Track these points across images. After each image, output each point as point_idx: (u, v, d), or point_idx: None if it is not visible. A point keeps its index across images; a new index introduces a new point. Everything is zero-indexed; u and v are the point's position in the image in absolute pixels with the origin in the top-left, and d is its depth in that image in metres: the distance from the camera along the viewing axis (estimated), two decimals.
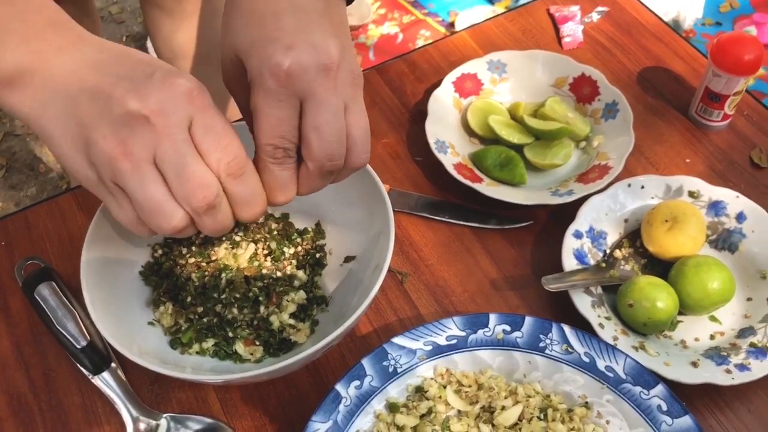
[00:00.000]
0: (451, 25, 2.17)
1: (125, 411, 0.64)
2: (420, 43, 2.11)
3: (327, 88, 0.48)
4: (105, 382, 0.65)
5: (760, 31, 2.02)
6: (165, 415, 0.65)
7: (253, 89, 0.48)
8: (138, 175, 0.44)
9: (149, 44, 2.12)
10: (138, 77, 0.45)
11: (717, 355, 0.66)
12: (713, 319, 0.70)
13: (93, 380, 0.66)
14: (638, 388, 0.60)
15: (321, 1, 0.50)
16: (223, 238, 0.68)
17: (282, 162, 0.50)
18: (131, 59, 0.47)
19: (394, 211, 0.64)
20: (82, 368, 0.66)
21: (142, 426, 0.64)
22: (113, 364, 0.66)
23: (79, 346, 0.65)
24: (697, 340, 0.69)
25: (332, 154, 0.49)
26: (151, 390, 0.67)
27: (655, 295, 0.66)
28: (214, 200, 0.46)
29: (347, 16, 0.54)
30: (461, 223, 0.78)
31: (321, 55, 0.47)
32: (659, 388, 0.60)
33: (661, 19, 1.00)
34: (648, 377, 0.61)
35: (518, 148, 0.83)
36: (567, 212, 0.75)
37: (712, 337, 0.69)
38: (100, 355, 0.66)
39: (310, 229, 0.72)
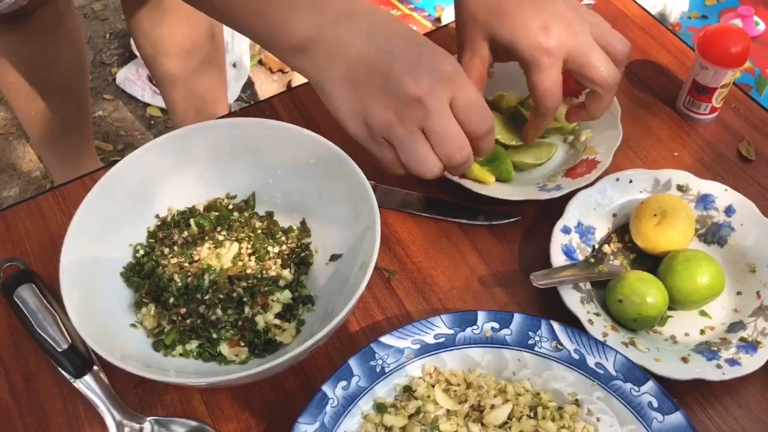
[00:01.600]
0: (438, 20, 2.16)
1: (108, 415, 0.63)
2: None
3: (584, 36, 0.67)
4: (87, 386, 0.64)
5: (745, 23, 2.02)
6: (149, 418, 0.63)
7: (530, 71, 0.67)
8: (411, 138, 0.58)
9: (132, 42, 2.09)
10: (409, 58, 0.57)
11: (707, 350, 0.66)
12: (703, 313, 0.70)
13: (75, 384, 0.64)
14: (629, 385, 0.60)
15: None
16: (206, 238, 0.67)
17: (553, 113, 0.71)
18: (398, 34, 0.59)
19: (380, 207, 0.63)
20: (63, 372, 0.64)
21: (126, 430, 0.62)
22: (95, 367, 0.65)
23: (60, 350, 0.64)
24: (687, 335, 0.68)
25: (608, 73, 0.68)
26: (134, 393, 0.66)
27: (645, 291, 0.66)
28: (467, 157, 0.61)
29: None
30: (448, 219, 0.78)
31: (575, 19, 0.67)
32: (650, 385, 0.59)
33: (647, 11, 1.00)
34: (638, 374, 0.60)
35: (505, 146, 0.82)
36: (555, 208, 0.74)
37: (702, 331, 0.68)
38: (82, 359, 0.64)
39: (294, 228, 0.71)
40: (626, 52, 0.70)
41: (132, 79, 1.99)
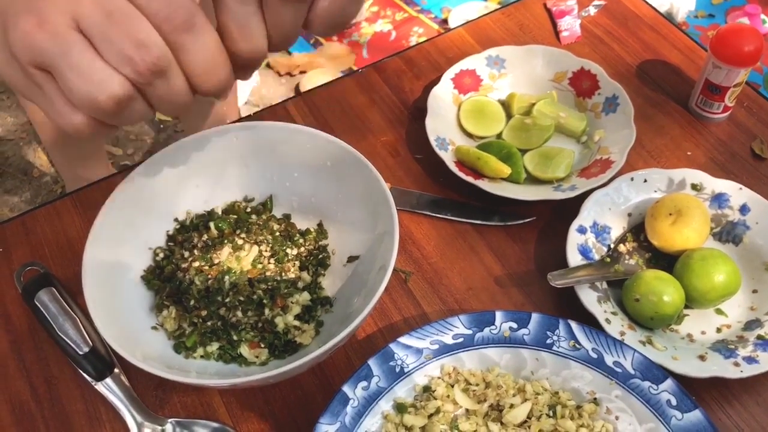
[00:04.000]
0: (444, 21, 2.16)
1: (130, 417, 0.63)
2: (413, 40, 2.10)
3: None
4: (108, 388, 0.64)
5: (752, 22, 2.02)
6: (170, 420, 0.64)
7: None
8: (58, 44, 0.37)
9: None
10: None
11: (724, 348, 0.66)
12: (719, 312, 0.70)
13: (96, 386, 0.65)
14: (647, 383, 0.60)
15: None
16: (225, 241, 0.67)
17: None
18: None
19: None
20: (84, 374, 0.65)
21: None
22: (116, 370, 0.65)
23: (81, 353, 0.65)
24: (703, 333, 0.69)
25: None
26: (155, 395, 0.66)
27: (662, 289, 0.66)
28: (158, 61, 0.38)
29: None
30: (463, 220, 0.78)
31: None
32: (668, 383, 0.60)
33: (658, 11, 1.00)
34: (656, 372, 0.60)
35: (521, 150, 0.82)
36: (569, 208, 0.75)
37: (718, 330, 0.69)
38: (103, 361, 0.65)
39: (312, 230, 0.71)
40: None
41: None
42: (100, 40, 0.37)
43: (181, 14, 0.38)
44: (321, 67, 2.02)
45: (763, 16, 2.03)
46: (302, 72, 2.04)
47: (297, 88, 2.03)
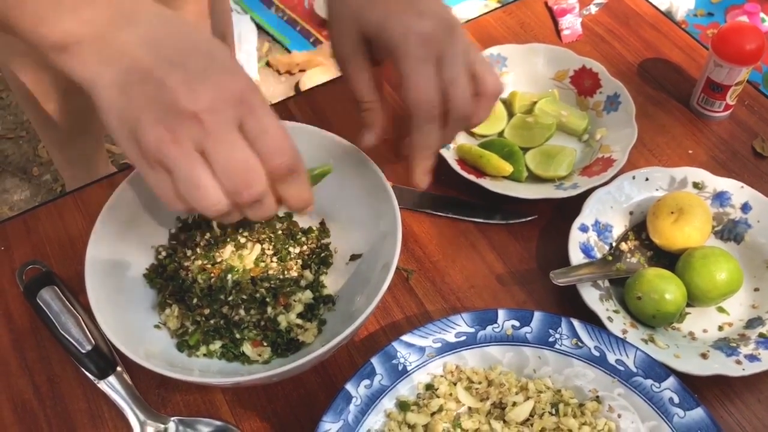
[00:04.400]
0: None
1: (132, 415, 0.63)
2: None
3: (456, 47, 0.57)
4: (111, 387, 0.64)
5: (751, 20, 2.02)
6: (173, 418, 0.64)
7: (400, 58, 0.56)
8: (186, 162, 0.46)
9: None
10: (192, 68, 0.46)
11: (726, 346, 0.66)
12: (721, 310, 0.70)
13: (99, 385, 0.65)
14: (649, 381, 0.60)
15: None
16: (228, 240, 0.67)
17: (435, 119, 0.58)
18: (187, 41, 0.48)
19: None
20: (87, 373, 0.65)
21: (150, 430, 0.63)
22: (119, 368, 0.65)
23: (83, 351, 0.65)
24: (705, 331, 0.69)
25: (467, 102, 0.59)
26: (157, 393, 0.66)
27: (664, 287, 0.66)
28: (258, 197, 0.48)
29: None
30: (465, 218, 0.78)
31: (448, 20, 0.58)
32: (670, 381, 0.60)
33: (659, 9, 1.00)
34: (659, 370, 0.61)
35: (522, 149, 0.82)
36: (570, 206, 0.75)
37: (720, 328, 0.69)
38: (106, 360, 0.65)
39: (314, 228, 0.71)
40: (498, 90, 0.63)
41: None
42: (220, 171, 0.47)
43: (286, 164, 0.49)
44: (321, 66, 2.02)
45: (762, 15, 2.03)
46: (302, 70, 2.04)
47: (297, 86, 2.03)
